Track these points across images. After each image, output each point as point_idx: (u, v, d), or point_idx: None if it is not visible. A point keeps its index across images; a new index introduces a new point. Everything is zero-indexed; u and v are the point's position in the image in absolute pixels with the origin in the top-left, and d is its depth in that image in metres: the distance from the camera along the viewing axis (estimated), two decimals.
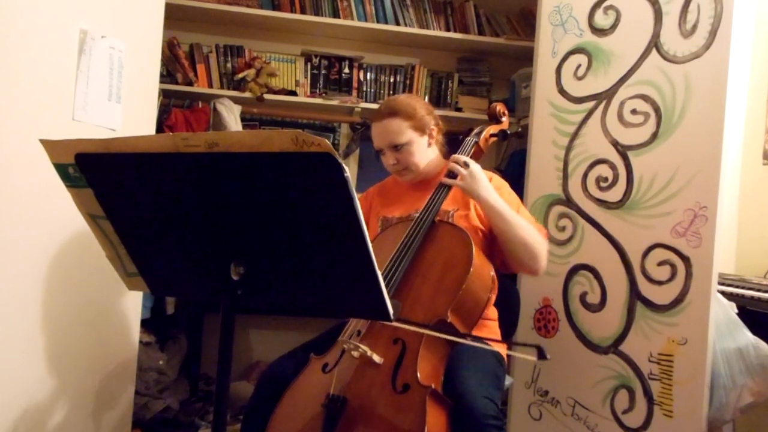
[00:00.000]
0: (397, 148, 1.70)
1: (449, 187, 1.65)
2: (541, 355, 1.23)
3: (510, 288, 1.94)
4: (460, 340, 1.44)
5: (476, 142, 1.79)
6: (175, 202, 1.03)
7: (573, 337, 2.17)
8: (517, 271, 1.73)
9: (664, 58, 1.97)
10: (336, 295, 1.05)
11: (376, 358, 1.37)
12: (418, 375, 1.32)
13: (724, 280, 1.98)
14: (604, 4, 2.16)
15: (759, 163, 2.40)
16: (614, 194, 2.07)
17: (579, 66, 2.22)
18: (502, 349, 1.65)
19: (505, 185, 1.77)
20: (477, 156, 1.79)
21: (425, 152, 1.75)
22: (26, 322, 1.56)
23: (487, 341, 1.54)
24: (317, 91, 3.06)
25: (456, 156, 1.69)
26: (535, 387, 2.29)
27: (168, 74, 2.85)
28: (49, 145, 1.03)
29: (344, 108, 3.05)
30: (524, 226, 1.61)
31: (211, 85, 2.94)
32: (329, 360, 1.46)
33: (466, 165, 1.63)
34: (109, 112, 1.77)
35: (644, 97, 2.02)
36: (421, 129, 1.72)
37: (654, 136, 1.98)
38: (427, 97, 3.14)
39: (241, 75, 2.90)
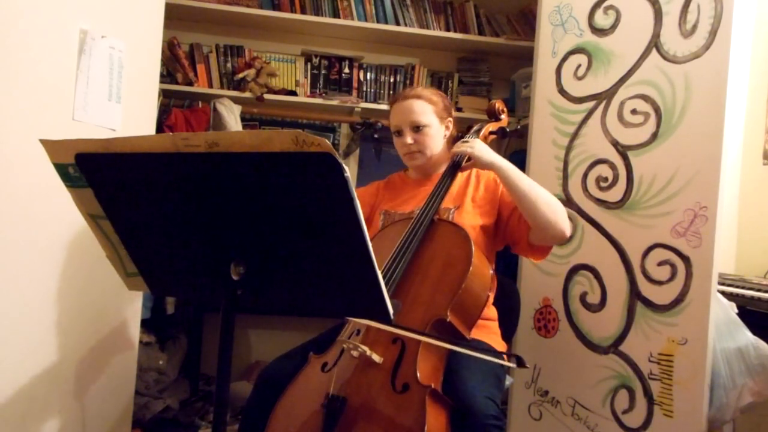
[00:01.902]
0: (417, 128, 1.73)
1: (450, 181, 1.66)
2: (520, 363, 1.29)
3: (510, 288, 1.94)
4: (454, 347, 1.38)
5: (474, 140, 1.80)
6: (175, 202, 1.03)
7: (573, 337, 2.17)
8: (545, 240, 1.63)
9: (664, 58, 1.97)
10: (336, 295, 1.05)
11: (376, 357, 1.37)
12: (418, 374, 1.32)
13: (724, 280, 1.99)
14: (604, 4, 2.16)
15: (759, 163, 2.40)
16: (614, 194, 2.07)
17: (579, 66, 2.22)
18: (502, 349, 1.65)
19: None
20: None
21: (439, 141, 1.78)
22: (26, 322, 1.56)
23: (481, 352, 1.42)
24: (317, 91, 3.06)
25: (453, 148, 1.71)
26: (535, 387, 2.29)
27: (168, 74, 2.85)
28: (49, 145, 1.03)
29: (344, 108, 3.05)
30: (540, 187, 1.60)
31: (211, 85, 2.94)
32: (329, 359, 1.46)
33: (464, 142, 1.68)
34: (109, 112, 1.77)
35: (644, 97, 2.02)
36: (441, 117, 1.77)
37: (654, 136, 1.98)
38: None
39: (241, 75, 2.90)
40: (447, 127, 1.80)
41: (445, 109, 1.79)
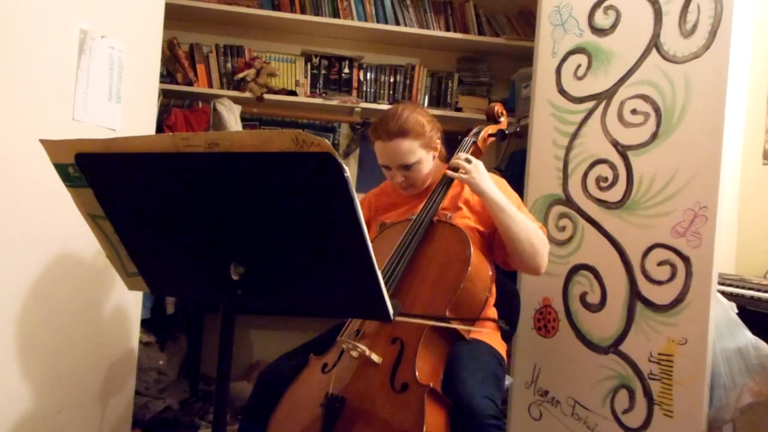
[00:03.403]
0: (407, 167, 1.67)
1: (448, 187, 1.65)
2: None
3: (510, 288, 1.94)
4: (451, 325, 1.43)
5: (474, 142, 1.80)
6: (175, 202, 1.03)
7: (573, 337, 2.17)
8: (519, 269, 1.70)
9: (664, 58, 1.97)
10: (336, 295, 1.05)
11: (375, 357, 1.37)
12: (417, 374, 1.32)
13: (724, 280, 1.98)
14: (604, 4, 2.16)
15: (759, 163, 2.40)
16: (614, 194, 2.07)
17: (579, 66, 2.22)
18: (501, 349, 1.65)
19: (506, 184, 1.77)
20: (475, 156, 1.79)
21: (429, 166, 1.72)
22: (26, 322, 1.56)
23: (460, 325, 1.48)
24: (317, 91, 3.06)
25: (457, 155, 1.69)
26: (535, 387, 2.29)
27: (168, 74, 2.85)
28: (49, 145, 1.03)
29: (344, 108, 3.05)
30: (526, 222, 1.60)
31: (211, 85, 2.94)
32: (328, 360, 1.46)
33: (468, 161, 1.64)
34: (109, 112, 1.77)
35: (644, 97, 2.01)
36: (428, 146, 1.69)
37: (654, 136, 1.98)
38: (427, 97, 3.15)
39: (241, 75, 2.90)
40: (435, 149, 1.73)
41: (433, 133, 1.70)
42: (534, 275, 1.70)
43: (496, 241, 1.68)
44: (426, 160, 1.70)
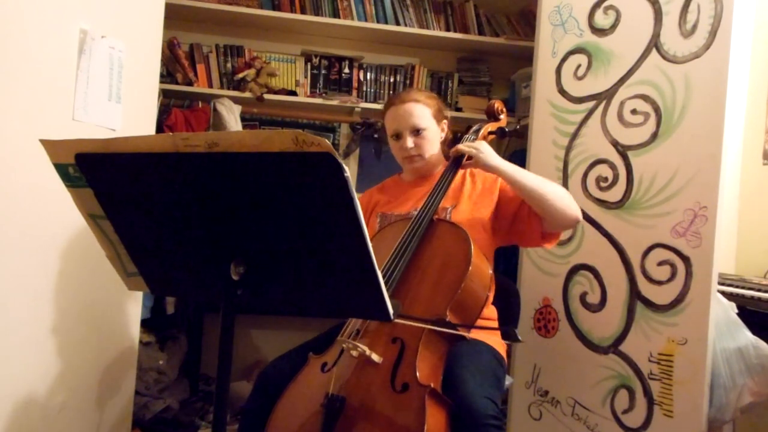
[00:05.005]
0: (418, 132, 1.74)
1: (450, 181, 1.66)
2: (510, 336, 1.40)
3: (510, 288, 1.94)
4: (457, 332, 1.45)
5: (474, 140, 1.80)
6: (175, 202, 1.03)
7: (573, 337, 2.17)
8: (558, 228, 1.69)
9: (664, 58, 1.97)
10: (336, 295, 1.05)
11: (375, 357, 1.37)
12: (417, 374, 1.32)
13: (724, 280, 1.98)
14: (604, 4, 2.16)
15: (759, 163, 2.40)
16: (614, 194, 2.07)
17: (579, 66, 2.22)
18: (501, 348, 1.65)
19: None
20: None
21: (437, 144, 1.79)
22: (26, 322, 1.56)
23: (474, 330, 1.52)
24: (317, 91, 3.06)
25: (458, 145, 1.70)
26: (535, 387, 2.29)
27: (168, 74, 2.85)
28: (49, 145, 1.03)
29: (344, 108, 3.05)
30: (544, 180, 1.63)
31: (211, 85, 2.94)
32: (328, 359, 1.46)
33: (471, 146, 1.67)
34: (109, 112, 1.77)
35: (644, 97, 2.01)
36: (437, 120, 1.78)
37: (654, 136, 1.98)
38: None
39: (241, 75, 2.90)
40: (443, 129, 1.82)
41: (440, 111, 1.80)
42: (572, 227, 1.80)
43: (522, 217, 1.68)
44: (434, 130, 1.77)
